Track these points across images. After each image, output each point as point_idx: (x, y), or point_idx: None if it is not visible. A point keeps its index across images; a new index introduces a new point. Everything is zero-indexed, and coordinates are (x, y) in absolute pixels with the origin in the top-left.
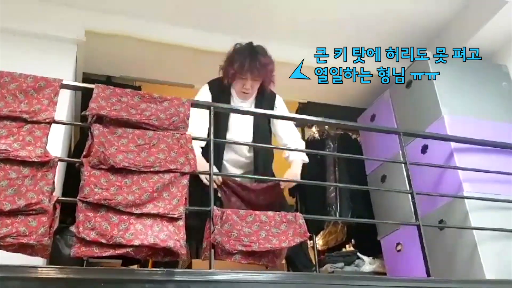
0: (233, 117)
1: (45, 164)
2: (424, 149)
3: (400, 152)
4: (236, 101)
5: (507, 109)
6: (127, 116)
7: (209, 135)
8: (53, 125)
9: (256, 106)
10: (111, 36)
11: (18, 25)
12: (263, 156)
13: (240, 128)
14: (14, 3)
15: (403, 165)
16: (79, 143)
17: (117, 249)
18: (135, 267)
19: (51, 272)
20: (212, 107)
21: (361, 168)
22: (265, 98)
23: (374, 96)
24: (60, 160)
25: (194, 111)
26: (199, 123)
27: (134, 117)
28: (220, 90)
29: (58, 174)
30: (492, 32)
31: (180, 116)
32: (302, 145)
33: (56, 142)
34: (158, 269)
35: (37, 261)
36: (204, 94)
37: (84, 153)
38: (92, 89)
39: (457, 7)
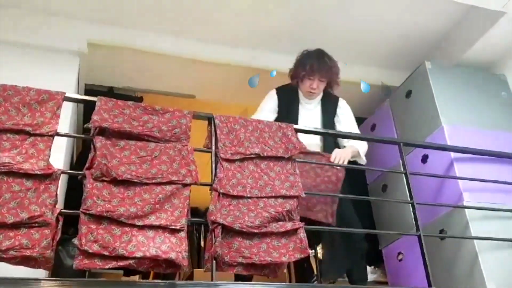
0: (302, 115)
1: (48, 176)
2: (425, 159)
3: (401, 162)
4: (302, 102)
5: (507, 118)
6: (130, 128)
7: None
8: (56, 136)
9: (322, 107)
10: (113, 47)
11: (20, 37)
12: (329, 144)
13: (309, 125)
14: (16, 16)
15: (403, 175)
16: (81, 154)
17: (119, 261)
18: (136, 277)
19: (53, 285)
20: (212, 118)
21: (362, 178)
22: (329, 100)
23: (375, 105)
24: (63, 172)
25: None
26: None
27: (136, 129)
28: (288, 93)
29: (61, 185)
30: (491, 43)
31: (182, 128)
32: (363, 144)
33: (59, 154)
34: (161, 281)
35: (39, 272)
36: (271, 99)
37: (87, 165)
38: (95, 101)
39: (455, 18)
